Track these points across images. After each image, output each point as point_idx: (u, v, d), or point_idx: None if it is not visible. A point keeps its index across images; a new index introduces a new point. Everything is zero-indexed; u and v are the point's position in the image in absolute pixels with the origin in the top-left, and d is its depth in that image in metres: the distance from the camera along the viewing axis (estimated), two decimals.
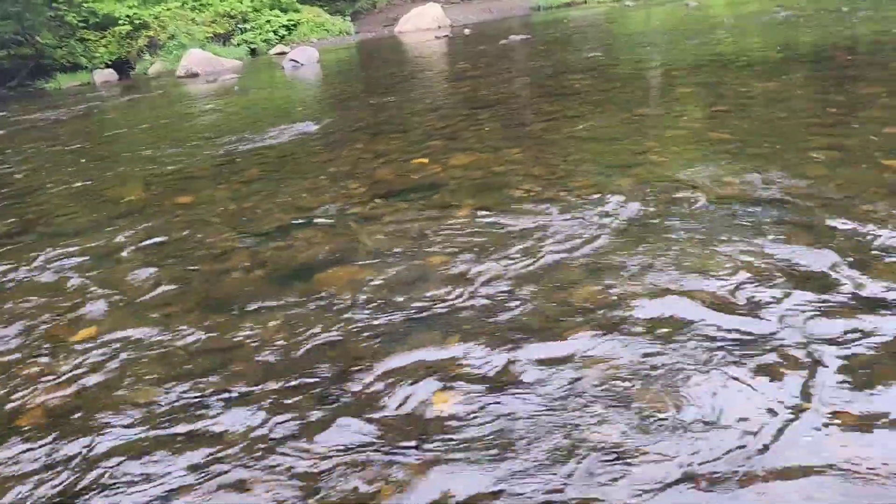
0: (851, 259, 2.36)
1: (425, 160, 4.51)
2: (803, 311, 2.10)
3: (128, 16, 18.51)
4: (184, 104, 10.33)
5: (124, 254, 3.48)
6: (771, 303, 2.17)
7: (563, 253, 2.73)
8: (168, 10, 19.12)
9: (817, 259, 2.39)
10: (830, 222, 2.65)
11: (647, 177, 3.44)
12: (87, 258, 3.46)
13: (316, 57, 14.13)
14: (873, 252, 2.40)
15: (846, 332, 1.97)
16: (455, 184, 3.90)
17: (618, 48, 9.28)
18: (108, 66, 18.17)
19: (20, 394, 2.27)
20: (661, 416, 1.75)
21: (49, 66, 17.96)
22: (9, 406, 2.21)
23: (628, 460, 1.62)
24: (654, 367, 1.94)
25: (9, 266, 3.51)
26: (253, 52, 19.10)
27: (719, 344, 2.00)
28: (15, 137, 8.89)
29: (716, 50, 7.87)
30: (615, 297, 2.34)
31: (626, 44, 9.70)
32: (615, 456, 1.63)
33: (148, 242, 3.60)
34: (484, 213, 3.29)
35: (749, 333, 2.03)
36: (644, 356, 2.00)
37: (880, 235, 2.50)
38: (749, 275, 2.36)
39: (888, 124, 3.82)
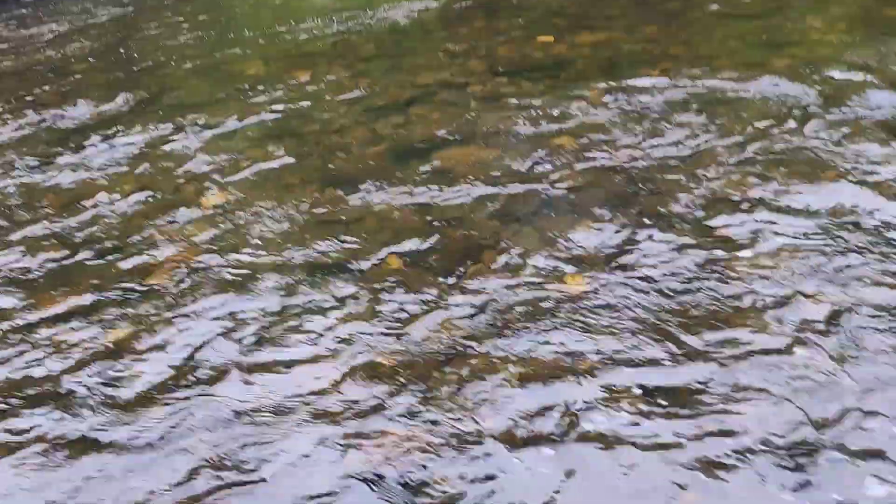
0: None
1: (550, 38, 4.20)
2: None
3: None
4: None
5: (246, 126, 3.49)
6: None
7: (706, 139, 2.48)
8: None
9: None
10: None
11: (809, 57, 3.03)
12: (211, 130, 3.50)
13: None
14: None
15: None
16: (583, 63, 3.61)
17: None
18: None
19: (156, 252, 2.35)
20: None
21: None
22: (145, 263, 2.30)
23: None
24: (808, 252, 1.74)
25: (140, 135, 3.60)
26: None
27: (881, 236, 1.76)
28: (142, 13, 9.11)
29: None
30: (773, 185, 2.10)
31: None
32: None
33: (269, 116, 3.59)
34: (615, 92, 3.03)
35: None
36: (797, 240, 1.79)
37: None
38: None
39: None
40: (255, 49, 5.48)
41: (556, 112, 2.94)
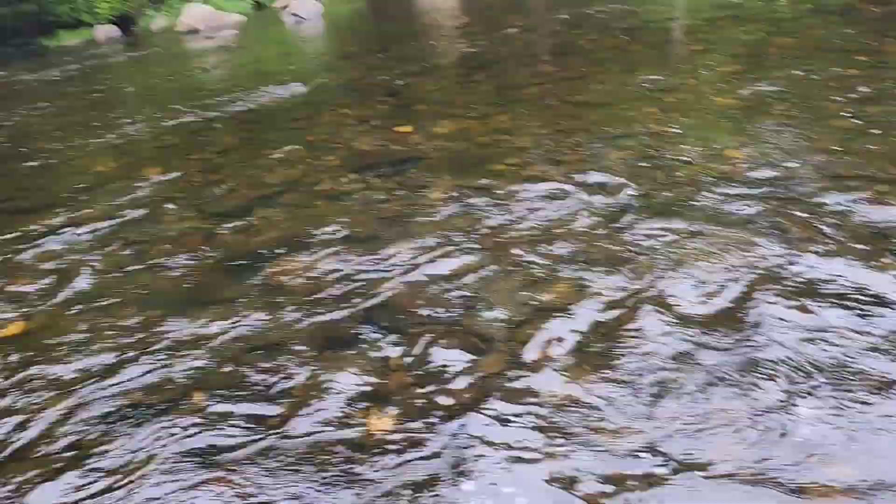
0: (854, 249, 2.05)
1: (409, 128, 4.19)
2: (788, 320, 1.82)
3: None
4: (178, 63, 9.99)
5: (77, 235, 3.24)
6: (755, 312, 1.88)
7: (538, 243, 2.45)
8: None
9: (820, 262, 2.08)
10: (838, 206, 2.34)
11: (642, 150, 3.11)
12: (34, 242, 3.22)
13: (320, 11, 13.64)
14: (880, 238, 2.09)
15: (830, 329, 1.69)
16: (436, 157, 3.60)
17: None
18: (111, 22, 17.74)
19: None
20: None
21: (52, 22, 17.59)
22: None
23: None
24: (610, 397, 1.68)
25: None
26: (258, 5, 18.56)
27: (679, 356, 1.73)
28: (8, 100, 8.65)
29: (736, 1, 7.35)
30: (590, 296, 2.06)
31: None
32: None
33: (103, 223, 3.34)
34: (459, 193, 3.00)
35: (731, 348, 1.75)
36: (607, 373, 1.73)
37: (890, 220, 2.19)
38: (736, 272, 2.07)
39: None
40: (114, 141, 5.22)
41: (396, 215, 2.87)
